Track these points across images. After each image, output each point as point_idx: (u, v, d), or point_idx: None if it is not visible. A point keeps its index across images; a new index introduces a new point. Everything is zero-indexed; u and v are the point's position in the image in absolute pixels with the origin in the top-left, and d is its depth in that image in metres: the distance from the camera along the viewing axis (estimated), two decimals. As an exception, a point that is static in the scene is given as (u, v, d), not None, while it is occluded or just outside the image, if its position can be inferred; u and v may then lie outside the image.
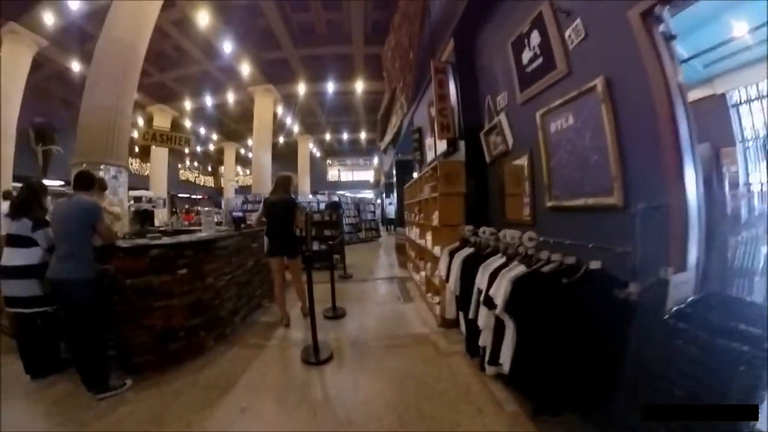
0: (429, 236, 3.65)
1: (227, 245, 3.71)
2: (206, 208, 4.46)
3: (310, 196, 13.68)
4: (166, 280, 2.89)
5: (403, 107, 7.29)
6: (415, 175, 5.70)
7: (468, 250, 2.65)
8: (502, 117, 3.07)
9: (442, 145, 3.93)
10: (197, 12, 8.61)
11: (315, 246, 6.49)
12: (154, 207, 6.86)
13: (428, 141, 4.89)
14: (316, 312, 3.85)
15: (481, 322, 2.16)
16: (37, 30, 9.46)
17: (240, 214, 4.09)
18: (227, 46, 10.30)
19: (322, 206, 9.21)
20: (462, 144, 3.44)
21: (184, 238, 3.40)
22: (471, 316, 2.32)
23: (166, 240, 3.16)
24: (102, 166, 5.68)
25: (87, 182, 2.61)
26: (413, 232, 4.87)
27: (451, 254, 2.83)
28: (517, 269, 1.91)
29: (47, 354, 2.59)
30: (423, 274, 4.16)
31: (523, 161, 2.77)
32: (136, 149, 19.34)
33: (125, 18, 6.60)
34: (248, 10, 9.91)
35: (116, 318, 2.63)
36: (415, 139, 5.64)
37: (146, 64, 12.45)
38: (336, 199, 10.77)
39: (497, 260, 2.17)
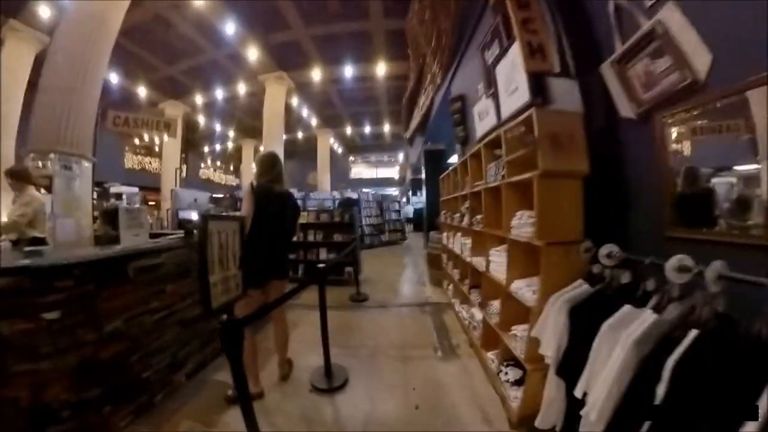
0: (498, 256, 2.01)
1: (158, 264, 2.33)
2: (123, 205, 3.06)
3: (328, 194, 12.35)
4: (25, 329, 1.70)
5: (435, 77, 5.67)
6: (453, 161, 4.08)
7: (647, 319, 1.04)
8: (668, 13, 1.42)
9: (513, 101, 2.31)
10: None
11: (323, 254, 5.05)
12: (128, 204, 5.66)
13: (478, 107, 3.27)
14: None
15: None
16: (38, 27, 8.91)
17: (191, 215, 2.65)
18: (230, 27, 9.30)
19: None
20: (570, 87, 1.81)
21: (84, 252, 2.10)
22: None
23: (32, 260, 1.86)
24: (51, 155, 4.54)
25: None
26: (458, 243, 3.25)
27: (576, 314, 1.24)
28: None
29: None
30: (479, 315, 2.54)
31: (754, 99, 1.12)
32: (156, 148, 19.00)
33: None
34: (250, -16, 8.70)
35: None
36: (455, 110, 4.03)
37: (153, 57, 11.91)
38: (353, 195, 9.28)
39: None
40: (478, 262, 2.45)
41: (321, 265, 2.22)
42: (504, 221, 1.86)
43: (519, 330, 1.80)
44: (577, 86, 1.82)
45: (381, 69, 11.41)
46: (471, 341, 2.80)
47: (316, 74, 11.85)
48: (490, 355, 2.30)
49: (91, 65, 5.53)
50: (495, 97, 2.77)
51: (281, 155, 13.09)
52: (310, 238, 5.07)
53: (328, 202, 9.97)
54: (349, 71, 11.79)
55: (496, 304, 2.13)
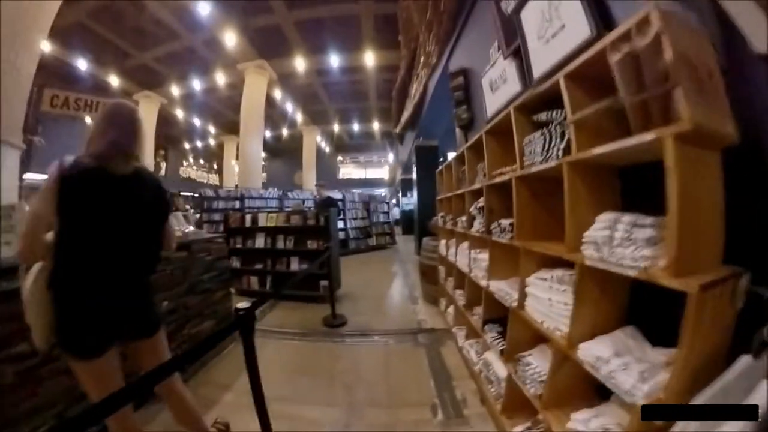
0: (545, 289, 1.16)
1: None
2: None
3: (309, 194, 11.44)
4: None
5: (430, 57, 4.89)
6: (451, 156, 3.24)
7: None
8: None
9: (560, 45, 1.53)
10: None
11: (294, 265, 4.19)
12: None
13: (490, 76, 2.49)
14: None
15: None
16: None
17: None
18: (205, 8, 8.44)
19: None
20: (677, 10, 1.02)
21: None
22: None
23: None
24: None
25: None
26: (463, 256, 2.42)
27: None
28: None
29: None
30: (501, 369, 1.72)
31: None
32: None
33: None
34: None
35: None
36: (456, 87, 3.24)
37: (124, 42, 10.83)
38: (337, 195, 8.42)
39: None
40: (502, 290, 1.62)
41: (242, 305, 1.28)
42: (568, 232, 1.05)
43: (591, 426, 1.00)
44: (690, 11, 1.03)
45: (370, 58, 10.58)
46: (483, 395, 1.99)
47: (300, 64, 10.96)
48: (519, 431, 1.49)
49: (25, 36, 4.61)
50: (520, 53, 1.99)
51: (260, 151, 12.20)
52: (279, 244, 4.20)
53: (309, 202, 9.09)
54: (335, 61, 10.93)
55: (537, 365, 1.32)
